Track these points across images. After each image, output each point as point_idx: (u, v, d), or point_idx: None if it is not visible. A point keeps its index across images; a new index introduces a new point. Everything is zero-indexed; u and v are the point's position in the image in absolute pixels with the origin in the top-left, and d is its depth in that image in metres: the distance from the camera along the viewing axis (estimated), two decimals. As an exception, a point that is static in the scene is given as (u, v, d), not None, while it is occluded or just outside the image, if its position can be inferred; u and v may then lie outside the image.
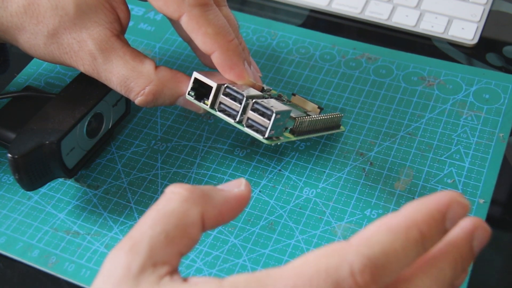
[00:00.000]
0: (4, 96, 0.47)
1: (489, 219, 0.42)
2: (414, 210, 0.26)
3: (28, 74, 0.53)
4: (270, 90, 0.44)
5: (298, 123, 0.41)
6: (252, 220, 0.42)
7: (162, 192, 0.44)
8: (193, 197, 0.27)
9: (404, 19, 0.56)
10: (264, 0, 0.60)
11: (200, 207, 0.27)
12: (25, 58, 0.54)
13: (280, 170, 0.45)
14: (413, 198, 0.43)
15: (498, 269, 0.40)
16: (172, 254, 0.26)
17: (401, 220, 0.26)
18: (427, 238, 0.25)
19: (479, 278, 0.39)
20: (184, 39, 0.46)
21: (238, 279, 0.25)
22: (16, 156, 0.39)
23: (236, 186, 0.29)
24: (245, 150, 0.47)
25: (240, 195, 0.29)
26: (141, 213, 0.43)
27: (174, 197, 0.27)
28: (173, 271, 0.26)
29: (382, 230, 0.25)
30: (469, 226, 0.27)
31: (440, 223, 0.26)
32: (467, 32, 0.55)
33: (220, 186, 0.30)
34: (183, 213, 0.27)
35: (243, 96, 0.38)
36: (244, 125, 0.39)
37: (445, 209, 0.26)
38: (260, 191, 0.44)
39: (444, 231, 0.26)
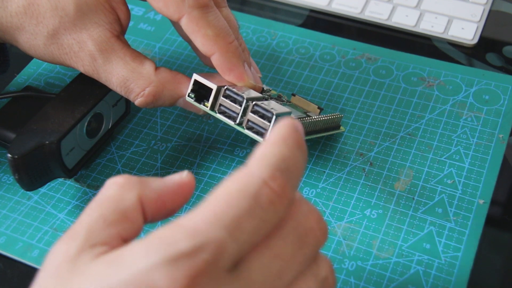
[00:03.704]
0: (4, 96, 0.47)
1: (489, 219, 0.42)
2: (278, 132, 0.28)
3: (28, 74, 0.53)
4: (270, 90, 0.44)
5: (298, 124, 0.41)
6: (252, 220, 0.42)
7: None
8: (129, 183, 0.28)
9: (404, 19, 0.56)
10: (264, 0, 0.60)
11: (136, 191, 0.28)
12: (25, 58, 0.54)
13: (280, 170, 0.45)
14: (413, 199, 0.43)
15: (498, 269, 0.40)
16: (111, 236, 0.26)
17: (276, 138, 0.28)
18: (300, 142, 0.28)
19: (479, 278, 0.39)
20: (185, 39, 0.45)
21: (167, 232, 0.25)
22: (16, 156, 0.39)
23: (178, 175, 0.29)
24: (245, 150, 0.47)
25: (180, 181, 0.29)
26: (141, 213, 0.43)
27: (111, 186, 0.28)
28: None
29: (268, 149, 0.27)
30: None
31: (297, 130, 0.28)
32: (467, 32, 0.55)
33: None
34: (120, 197, 0.27)
35: (243, 98, 0.38)
36: (244, 127, 0.39)
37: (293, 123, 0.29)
38: (260, 192, 0.44)
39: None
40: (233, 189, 0.26)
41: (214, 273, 0.24)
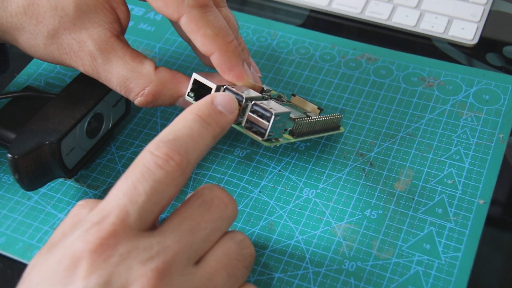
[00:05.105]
0: (4, 96, 0.47)
1: (489, 219, 0.42)
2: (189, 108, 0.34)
3: (28, 74, 0.53)
4: (270, 90, 0.44)
5: (297, 125, 0.41)
6: (252, 220, 0.42)
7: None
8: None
9: (404, 19, 0.56)
10: (264, 0, 0.60)
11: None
12: (25, 58, 0.54)
13: (280, 170, 0.45)
14: (413, 199, 0.43)
15: (498, 269, 0.40)
16: None
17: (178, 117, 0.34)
18: (205, 115, 0.34)
19: (479, 278, 0.39)
20: (184, 39, 0.45)
21: (88, 215, 0.31)
22: (16, 156, 0.39)
23: None
24: (245, 151, 0.47)
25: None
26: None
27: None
28: None
29: (165, 130, 0.33)
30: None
31: (210, 104, 0.35)
32: (467, 32, 0.55)
33: None
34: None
35: (242, 97, 0.38)
36: (244, 126, 0.39)
37: (211, 97, 0.35)
38: (260, 192, 0.44)
39: (218, 110, 0.35)
40: (130, 167, 0.31)
41: (126, 232, 0.30)
